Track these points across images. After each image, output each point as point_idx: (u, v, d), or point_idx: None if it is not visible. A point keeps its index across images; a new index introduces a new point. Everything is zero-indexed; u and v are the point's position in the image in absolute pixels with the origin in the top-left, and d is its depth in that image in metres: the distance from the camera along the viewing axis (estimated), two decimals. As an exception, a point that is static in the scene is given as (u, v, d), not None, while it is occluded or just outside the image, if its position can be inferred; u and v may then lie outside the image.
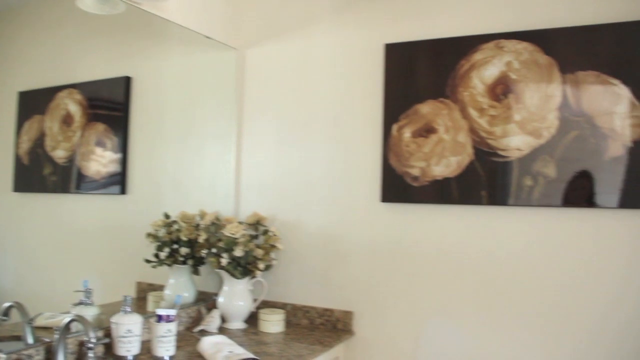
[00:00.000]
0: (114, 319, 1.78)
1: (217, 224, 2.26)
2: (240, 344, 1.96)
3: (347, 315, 2.23)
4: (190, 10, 2.22)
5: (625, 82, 1.88)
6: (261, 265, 2.21)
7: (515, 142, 2.00)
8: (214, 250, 2.20)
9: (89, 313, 1.83)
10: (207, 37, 2.31)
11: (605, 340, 1.89)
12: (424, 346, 2.12)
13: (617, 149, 1.89)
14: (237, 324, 2.24)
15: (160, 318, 1.84)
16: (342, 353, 2.19)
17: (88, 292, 1.85)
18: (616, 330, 1.87)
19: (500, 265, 2.03)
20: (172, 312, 1.86)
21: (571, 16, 1.96)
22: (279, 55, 2.42)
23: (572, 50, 1.95)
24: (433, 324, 2.12)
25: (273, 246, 2.26)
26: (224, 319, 2.24)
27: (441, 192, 2.09)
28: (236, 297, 2.23)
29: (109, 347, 1.80)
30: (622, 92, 1.89)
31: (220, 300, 2.24)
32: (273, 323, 2.20)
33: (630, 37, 1.89)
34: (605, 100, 1.90)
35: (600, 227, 1.91)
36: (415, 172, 2.14)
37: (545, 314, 1.97)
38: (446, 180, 2.09)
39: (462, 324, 2.08)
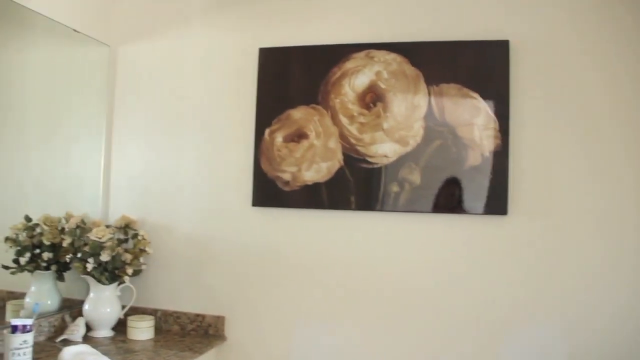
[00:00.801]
0: (-40, 332, 1.66)
1: (83, 228, 2.17)
2: (105, 353, 1.89)
3: (219, 320, 2.22)
4: (58, 1, 2.11)
5: (484, 96, 2.02)
6: (129, 270, 2.15)
7: (383, 149, 2.08)
8: (79, 255, 2.10)
9: None
10: (76, 31, 2.20)
11: (466, 336, 2.02)
12: (296, 349, 2.16)
13: (476, 158, 2.02)
14: (104, 332, 2.16)
15: (15, 329, 1.73)
16: (213, 359, 2.17)
17: None
18: (481, 328, 2.01)
19: (369, 269, 2.11)
20: (28, 321, 1.76)
21: (436, 31, 2.08)
22: (152, 54, 2.36)
23: (436, 63, 2.06)
24: (305, 326, 2.16)
25: (142, 250, 2.20)
26: (90, 327, 2.15)
27: (312, 197, 2.14)
28: (103, 303, 2.15)
29: (-46, 363, 1.67)
30: (481, 105, 2.02)
31: (86, 307, 2.15)
32: (142, 330, 2.14)
33: (488, 54, 2.03)
34: (466, 112, 2.03)
35: (463, 232, 2.04)
36: (286, 176, 2.17)
37: (412, 314, 2.07)
38: (316, 186, 2.14)
39: (334, 326, 2.13)
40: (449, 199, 2.04)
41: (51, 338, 2.07)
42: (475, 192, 2.01)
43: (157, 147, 2.34)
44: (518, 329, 1.98)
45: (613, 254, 1.93)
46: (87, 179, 2.36)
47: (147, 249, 2.21)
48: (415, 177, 2.06)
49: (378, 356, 2.09)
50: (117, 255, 2.13)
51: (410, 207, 2.06)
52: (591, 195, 1.95)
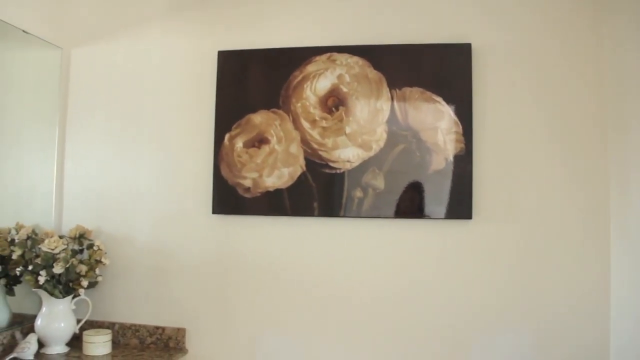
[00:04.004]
0: None
1: (34, 239, 2.13)
2: (59, 370, 1.86)
3: (180, 332, 2.20)
4: (6, 0, 2.07)
5: (447, 99, 2.06)
6: (85, 283, 2.11)
7: (345, 154, 2.10)
8: (30, 267, 2.06)
9: None
10: (26, 32, 2.16)
11: (433, 342, 2.05)
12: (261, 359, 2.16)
13: (440, 162, 2.06)
14: (57, 348, 2.11)
15: (-40, 347, 1.69)
16: (174, 372, 2.16)
17: None
18: (448, 334, 2.04)
19: (332, 276, 2.13)
20: (-25, 339, 1.72)
21: (398, 34, 2.11)
22: (107, 57, 2.33)
23: (398, 66, 2.10)
24: (269, 337, 2.16)
25: (98, 261, 2.17)
26: (42, 344, 2.10)
27: (273, 203, 2.14)
28: (57, 318, 2.10)
29: None
30: (444, 109, 2.06)
31: (38, 322, 2.10)
32: (98, 345, 2.11)
33: (450, 58, 2.07)
34: (429, 116, 2.07)
35: (428, 237, 2.08)
36: (247, 183, 2.17)
37: (378, 321, 2.09)
38: (278, 192, 2.14)
39: (299, 336, 2.14)
40: (413, 204, 2.08)
41: (0, 357, 2.02)
42: (440, 196, 2.05)
43: (113, 154, 2.31)
44: (485, 334, 2.02)
45: (578, 256, 1.99)
46: (39, 187, 2.31)
47: (103, 259, 2.18)
48: (379, 182, 2.08)
49: (345, 365, 2.10)
50: (71, 267, 2.09)
51: (375, 213, 2.08)
52: (555, 198, 2.01)
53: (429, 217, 2.06)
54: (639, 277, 1.81)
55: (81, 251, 2.21)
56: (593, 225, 1.98)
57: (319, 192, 2.11)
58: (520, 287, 2.01)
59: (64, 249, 2.09)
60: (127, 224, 2.28)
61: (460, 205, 2.04)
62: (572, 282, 1.98)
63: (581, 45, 2.02)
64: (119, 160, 2.30)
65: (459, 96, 2.06)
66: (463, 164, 2.04)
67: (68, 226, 2.28)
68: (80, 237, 2.21)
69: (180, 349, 2.20)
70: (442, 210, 2.05)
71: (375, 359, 2.09)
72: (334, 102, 2.12)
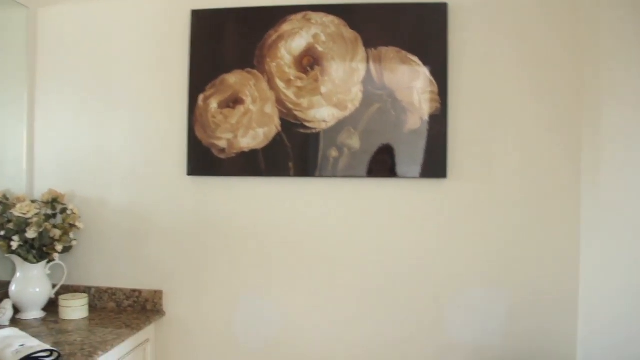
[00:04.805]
0: None
1: (5, 204, 2.09)
2: (36, 335, 1.85)
3: (157, 295, 2.21)
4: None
5: (423, 59, 2.06)
6: (59, 247, 2.10)
7: (321, 114, 2.10)
8: (2, 233, 2.04)
9: None
10: (-11, -10, 2.10)
11: (407, 299, 2.09)
12: (238, 321, 2.18)
13: (415, 122, 2.07)
14: (33, 314, 2.11)
15: None
16: (152, 335, 2.17)
17: None
18: (423, 291, 2.08)
19: (309, 236, 2.15)
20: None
21: (373, -8, 2.10)
22: (77, 16, 2.27)
23: (374, 26, 2.08)
24: (247, 297, 2.17)
25: (72, 225, 2.15)
26: (18, 309, 2.10)
27: (249, 164, 2.14)
28: (31, 283, 2.09)
29: None
30: (420, 68, 2.06)
31: (13, 288, 2.09)
32: (75, 309, 2.11)
33: (427, 18, 2.06)
34: (405, 75, 2.07)
35: (403, 196, 2.10)
36: (222, 144, 2.16)
37: (355, 279, 2.12)
38: (253, 152, 2.14)
39: (276, 296, 2.16)
40: (388, 163, 2.09)
41: (-25, 322, 2.01)
42: (415, 155, 2.07)
43: (84, 116, 2.27)
44: (460, 291, 2.06)
45: (551, 213, 2.03)
46: (9, 151, 2.27)
47: (77, 223, 2.16)
48: (355, 142, 2.09)
49: (324, 325, 2.14)
50: (44, 232, 2.07)
51: (350, 172, 2.10)
52: (529, 157, 2.04)
53: (404, 176, 2.08)
54: (607, 234, 1.87)
55: (54, 215, 2.19)
56: (566, 184, 2.02)
57: (294, 152, 2.11)
58: (494, 244, 2.05)
59: (36, 214, 2.07)
60: (100, 187, 2.25)
61: (435, 164, 2.06)
62: (545, 238, 2.03)
63: (558, 4, 2.03)
64: (91, 122, 2.26)
65: (435, 56, 2.06)
66: (438, 123, 2.05)
67: (40, 191, 2.24)
68: (53, 202, 2.18)
69: (158, 311, 2.21)
70: (417, 169, 2.07)
71: (352, 317, 2.12)
72: (309, 61, 2.11)
